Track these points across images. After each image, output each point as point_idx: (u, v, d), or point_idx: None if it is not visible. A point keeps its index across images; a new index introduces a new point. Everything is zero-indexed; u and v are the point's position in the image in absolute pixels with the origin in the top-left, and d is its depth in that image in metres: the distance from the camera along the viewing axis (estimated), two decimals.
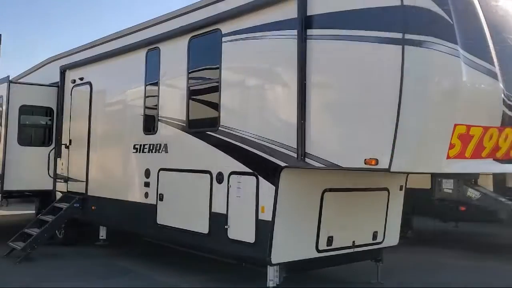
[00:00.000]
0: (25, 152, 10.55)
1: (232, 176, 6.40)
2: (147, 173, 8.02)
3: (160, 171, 7.75)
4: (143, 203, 8.05)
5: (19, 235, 9.31)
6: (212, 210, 6.67)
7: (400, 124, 4.64)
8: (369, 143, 4.94)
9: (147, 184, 8.01)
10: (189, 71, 7.32)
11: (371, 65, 4.97)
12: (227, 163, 6.49)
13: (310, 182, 6.10)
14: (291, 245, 6.01)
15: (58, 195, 10.47)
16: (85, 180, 9.65)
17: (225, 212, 6.43)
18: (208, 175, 6.77)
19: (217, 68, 6.78)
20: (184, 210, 7.22)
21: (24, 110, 10.65)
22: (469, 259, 9.80)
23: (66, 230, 10.13)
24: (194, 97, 7.33)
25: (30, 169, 10.50)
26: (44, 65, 11.88)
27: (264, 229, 5.87)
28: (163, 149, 7.74)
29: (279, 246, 5.81)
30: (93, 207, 9.36)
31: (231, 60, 6.64)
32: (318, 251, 6.25)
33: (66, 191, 10.25)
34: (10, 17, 45.89)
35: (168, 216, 7.52)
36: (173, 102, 7.74)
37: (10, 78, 10.51)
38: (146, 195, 8.00)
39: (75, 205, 9.52)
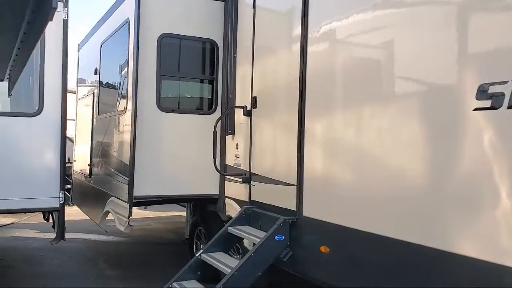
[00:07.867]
0: (170, 124, 5.66)
1: None
2: None
3: None
4: None
5: None
6: None
7: None
8: None
9: None
10: None
11: None
12: None
13: None
14: None
15: (231, 207, 5.41)
16: (296, 183, 4.36)
17: None
18: None
19: None
20: None
21: (168, 44, 5.68)
22: None
23: None
24: None
25: (178, 154, 5.61)
26: None
27: None
28: None
29: None
30: (322, 249, 4.02)
31: None
32: None
33: (247, 200, 5.12)
34: None
35: None
36: None
37: None
38: None
39: (276, 237, 4.32)
